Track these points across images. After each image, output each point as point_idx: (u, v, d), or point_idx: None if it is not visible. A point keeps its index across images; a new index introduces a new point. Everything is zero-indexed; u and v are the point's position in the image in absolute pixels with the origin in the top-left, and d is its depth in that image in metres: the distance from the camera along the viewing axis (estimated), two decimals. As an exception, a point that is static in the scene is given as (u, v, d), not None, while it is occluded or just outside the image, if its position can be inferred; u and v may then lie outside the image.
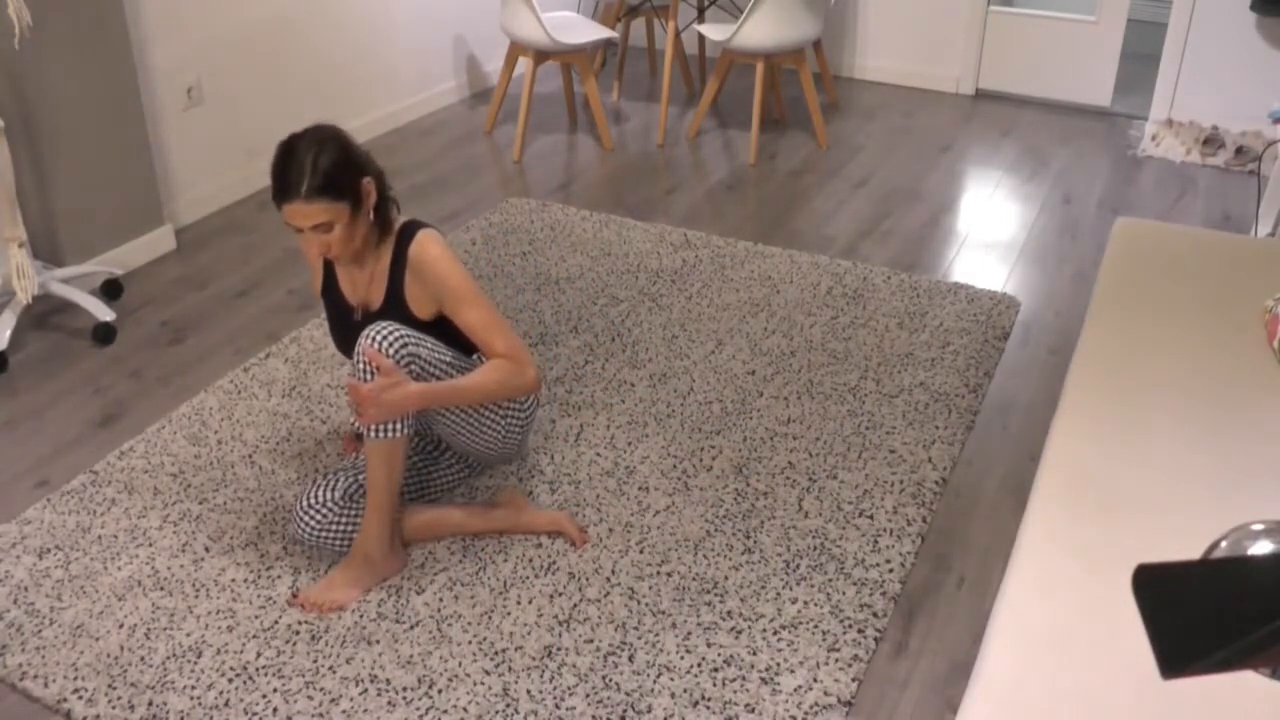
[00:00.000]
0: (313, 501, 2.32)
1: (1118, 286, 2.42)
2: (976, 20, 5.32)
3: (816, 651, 2.15)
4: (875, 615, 2.24)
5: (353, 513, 2.32)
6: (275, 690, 2.07)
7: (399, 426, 2.19)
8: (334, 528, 2.32)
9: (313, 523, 2.31)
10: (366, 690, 2.07)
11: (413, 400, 2.16)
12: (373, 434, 2.18)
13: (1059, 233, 3.98)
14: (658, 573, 2.35)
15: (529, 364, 2.28)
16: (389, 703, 2.05)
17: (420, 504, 2.46)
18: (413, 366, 2.19)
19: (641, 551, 2.41)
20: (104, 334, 3.24)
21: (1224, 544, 1.21)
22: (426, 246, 2.28)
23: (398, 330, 2.17)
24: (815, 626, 2.21)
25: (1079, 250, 3.84)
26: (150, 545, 2.44)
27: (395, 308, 2.32)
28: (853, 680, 2.09)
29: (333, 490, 2.33)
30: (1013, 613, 1.53)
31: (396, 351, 2.16)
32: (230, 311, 3.44)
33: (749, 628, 2.21)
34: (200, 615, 2.25)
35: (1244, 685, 1.39)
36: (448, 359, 2.27)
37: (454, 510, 2.44)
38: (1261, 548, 1.19)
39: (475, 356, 2.39)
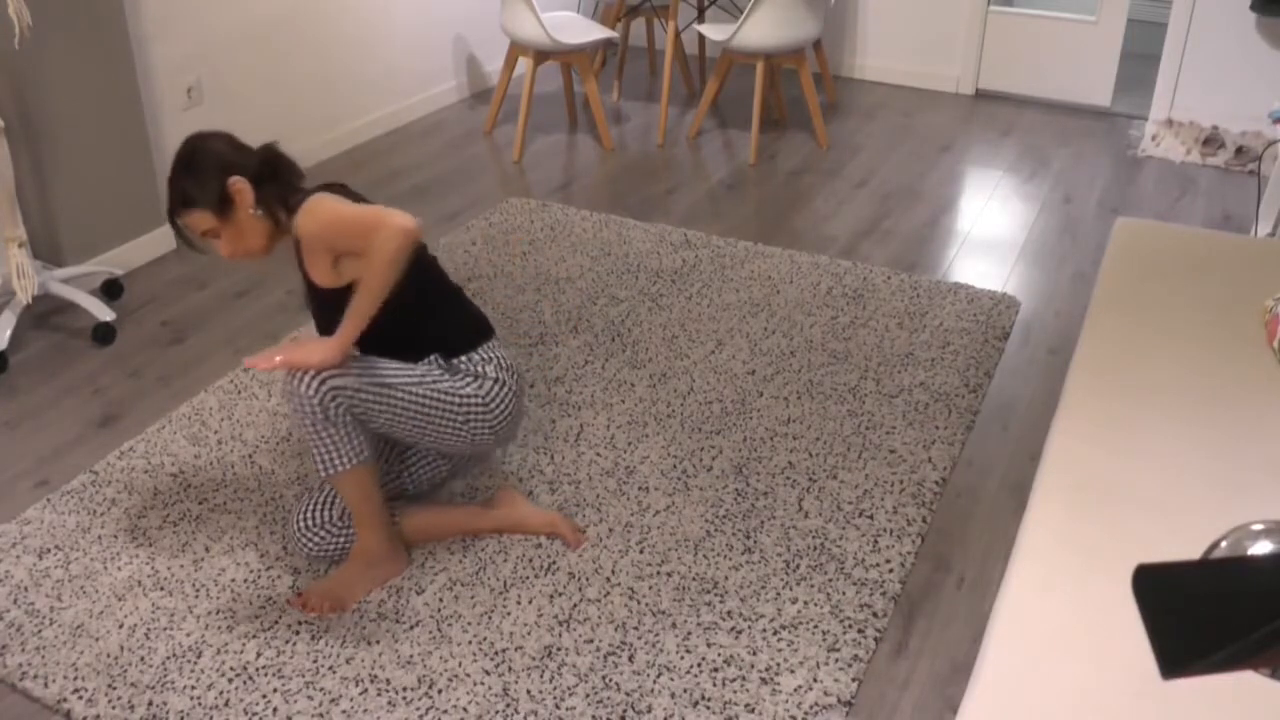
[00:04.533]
0: (310, 523, 2.32)
1: (1118, 286, 2.42)
2: (976, 20, 5.32)
3: (816, 651, 2.15)
4: (875, 615, 2.24)
5: (352, 530, 2.32)
6: (275, 690, 2.07)
7: (345, 461, 2.16)
8: (334, 544, 2.33)
9: (311, 543, 2.33)
10: (366, 690, 2.07)
11: (334, 347, 2.08)
12: (322, 472, 2.18)
13: (1059, 233, 3.98)
14: (658, 573, 2.35)
15: (392, 217, 2.06)
16: (389, 703, 2.05)
17: (417, 505, 2.45)
18: (339, 399, 2.11)
19: (641, 551, 2.41)
20: (104, 334, 3.24)
21: (1224, 544, 1.21)
22: (303, 221, 2.15)
23: (316, 374, 2.09)
24: (815, 626, 2.21)
25: (1079, 250, 3.84)
26: (150, 545, 2.44)
27: (311, 286, 2.28)
28: (853, 680, 2.09)
29: (330, 509, 2.33)
30: (1013, 613, 1.53)
31: (320, 393, 2.08)
32: (230, 311, 3.44)
33: (749, 628, 2.21)
34: (200, 615, 2.25)
35: (1244, 685, 1.39)
36: (384, 371, 2.18)
37: (452, 510, 2.44)
38: (1261, 548, 1.19)
39: (434, 358, 2.30)
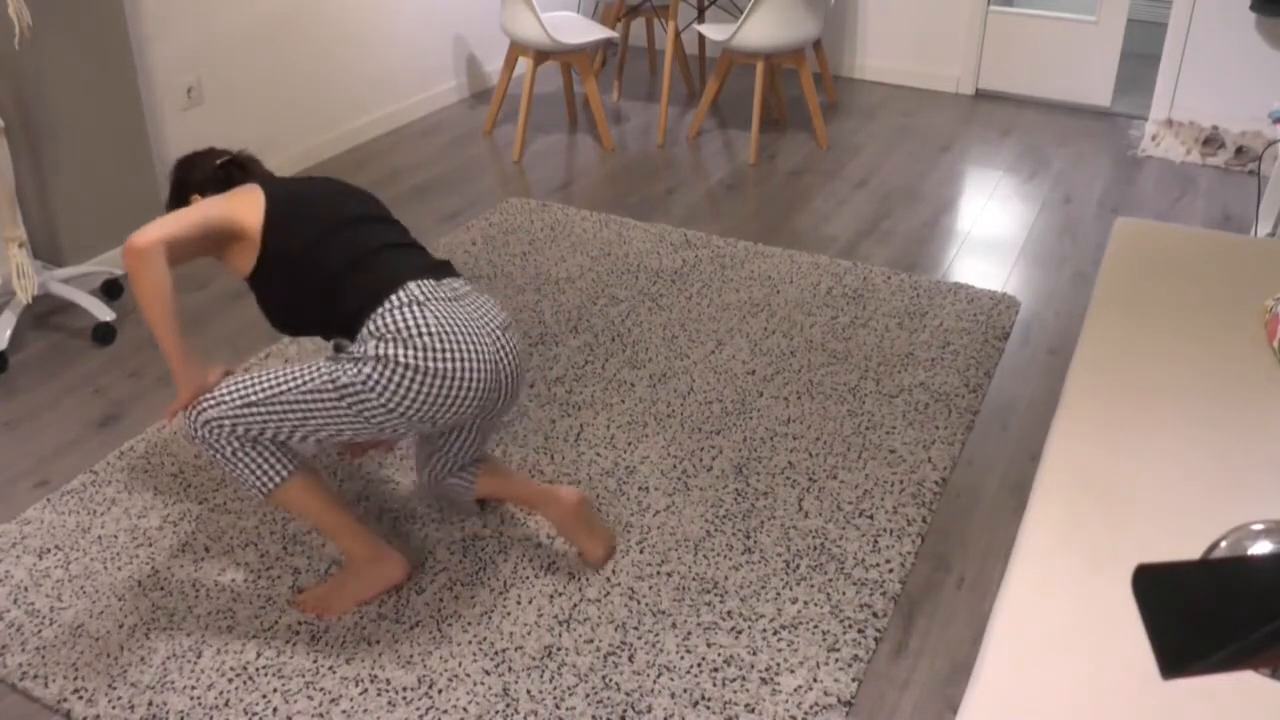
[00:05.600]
0: (436, 477, 2.39)
1: (1118, 286, 2.42)
2: (976, 20, 5.32)
3: (816, 651, 2.15)
4: (875, 615, 2.24)
5: (466, 476, 2.38)
6: (275, 690, 2.07)
7: (266, 483, 2.14)
8: (456, 494, 2.40)
9: (447, 492, 2.40)
10: (366, 690, 2.07)
11: (178, 381, 2.09)
12: (259, 496, 2.17)
13: (1059, 233, 3.98)
14: (658, 573, 2.35)
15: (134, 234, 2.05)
16: (389, 703, 2.05)
17: (496, 468, 2.39)
18: (213, 430, 2.09)
19: (641, 551, 2.41)
20: (104, 334, 3.24)
21: (1224, 544, 1.21)
22: None
23: (189, 413, 2.11)
24: (815, 626, 2.21)
25: (1079, 250, 3.84)
26: (150, 545, 2.44)
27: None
28: (853, 680, 2.09)
29: (435, 479, 2.39)
30: (1013, 613, 1.53)
31: (199, 431, 2.10)
32: (230, 311, 3.44)
33: (749, 628, 2.21)
34: (200, 615, 2.25)
35: (1244, 685, 1.39)
36: (253, 387, 2.11)
37: (522, 485, 2.39)
38: (1261, 548, 1.19)
39: (333, 345, 2.22)
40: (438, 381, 2.09)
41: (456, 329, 2.12)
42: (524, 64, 5.50)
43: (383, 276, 2.16)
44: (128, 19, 3.59)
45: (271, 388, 2.10)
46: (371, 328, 2.10)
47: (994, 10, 5.32)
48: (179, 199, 2.34)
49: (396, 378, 2.06)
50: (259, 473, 2.14)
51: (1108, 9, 5.06)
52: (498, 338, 2.19)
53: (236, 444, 2.11)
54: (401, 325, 2.09)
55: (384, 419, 2.10)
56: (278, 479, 2.15)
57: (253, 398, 2.09)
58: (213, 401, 2.10)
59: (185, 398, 2.11)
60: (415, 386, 2.07)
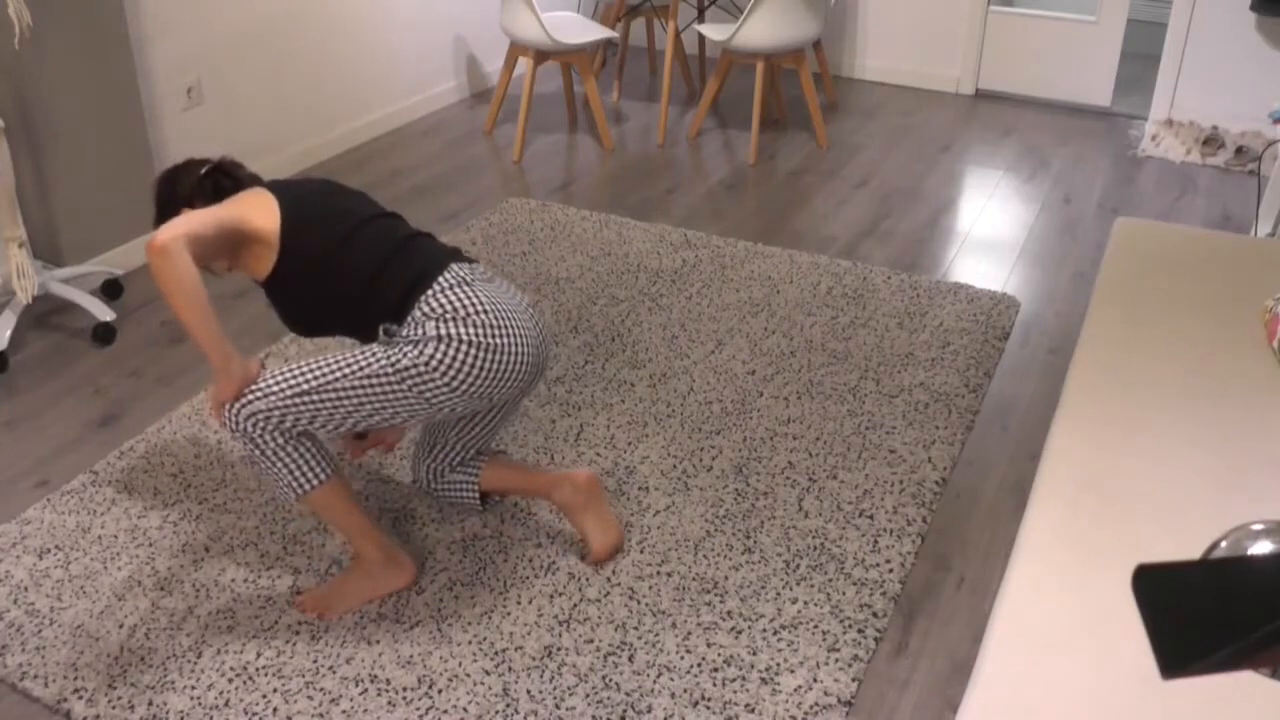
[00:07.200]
0: (434, 477, 2.41)
1: (1118, 286, 2.42)
2: (976, 20, 5.32)
3: (816, 651, 2.15)
4: (875, 615, 2.24)
5: (474, 471, 2.40)
6: (275, 690, 2.07)
7: (304, 484, 2.14)
8: (461, 491, 2.41)
9: (443, 493, 2.43)
10: (366, 690, 2.07)
11: (218, 376, 2.07)
12: (292, 498, 2.17)
13: (1059, 233, 3.98)
14: (658, 573, 2.35)
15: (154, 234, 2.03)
16: (389, 703, 2.05)
17: (501, 461, 2.42)
18: (258, 424, 2.08)
19: (641, 551, 2.41)
20: (104, 334, 3.24)
21: (1224, 544, 1.21)
22: None
23: (232, 407, 2.10)
24: (815, 626, 2.21)
25: (1079, 250, 3.84)
26: (150, 545, 2.44)
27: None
28: (853, 680, 2.09)
29: (449, 455, 2.40)
30: (1013, 613, 1.53)
31: (242, 425, 2.08)
32: (230, 311, 3.44)
33: (749, 628, 2.21)
34: (200, 615, 2.25)
35: (1244, 685, 1.39)
36: (303, 376, 2.09)
37: (526, 475, 2.40)
38: (1261, 548, 1.19)
39: (382, 330, 2.19)
40: (498, 356, 2.15)
41: (502, 307, 2.18)
42: (524, 64, 5.50)
43: (423, 262, 2.20)
44: (128, 19, 3.59)
45: (324, 376, 2.09)
46: (426, 309, 2.13)
47: (994, 10, 5.32)
48: (168, 215, 2.28)
49: (461, 355, 2.10)
50: (298, 474, 2.13)
51: (1108, 9, 5.06)
52: (531, 315, 2.26)
53: (281, 440, 2.10)
54: (458, 304, 2.14)
55: (445, 399, 2.13)
56: (315, 482, 2.15)
57: (304, 386, 2.08)
58: (259, 393, 2.07)
59: (229, 391, 2.07)
60: (478, 362, 2.12)
